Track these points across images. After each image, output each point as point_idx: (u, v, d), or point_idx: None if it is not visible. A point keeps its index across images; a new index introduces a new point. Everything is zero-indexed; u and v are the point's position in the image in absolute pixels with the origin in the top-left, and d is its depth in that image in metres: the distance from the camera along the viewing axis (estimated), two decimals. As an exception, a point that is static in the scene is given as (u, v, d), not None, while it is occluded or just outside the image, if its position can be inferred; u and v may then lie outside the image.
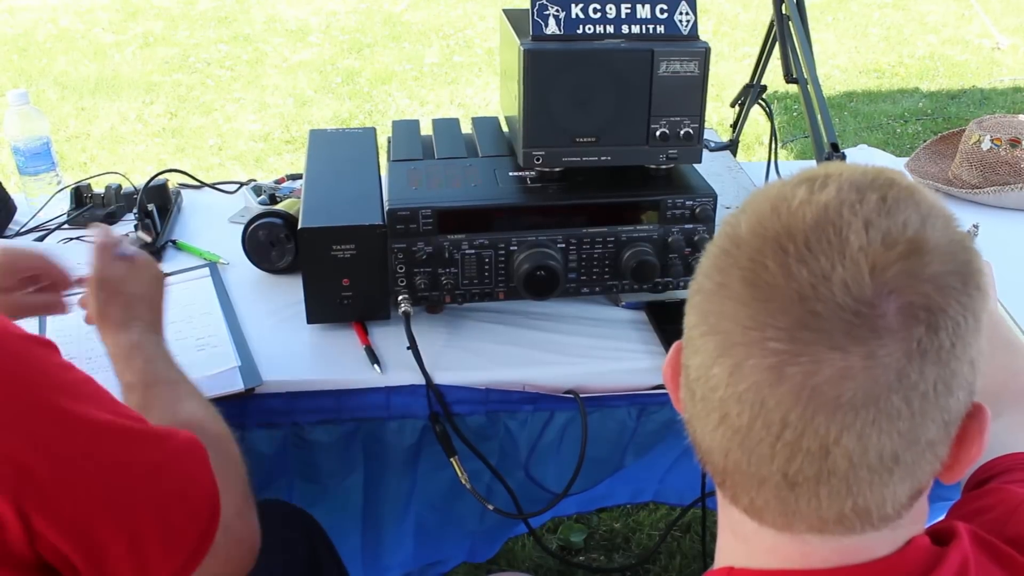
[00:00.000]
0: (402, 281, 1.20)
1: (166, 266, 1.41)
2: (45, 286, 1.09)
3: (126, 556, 0.74)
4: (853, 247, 0.53)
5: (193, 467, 0.80)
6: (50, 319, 1.26)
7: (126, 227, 1.52)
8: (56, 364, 0.77)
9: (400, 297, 1.20)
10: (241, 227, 1.36)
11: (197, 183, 1.68)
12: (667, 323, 1.25)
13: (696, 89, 1.19)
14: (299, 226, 1.17)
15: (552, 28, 1.16)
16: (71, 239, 1.50)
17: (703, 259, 0.61)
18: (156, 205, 1.50)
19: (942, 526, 0.64)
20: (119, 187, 1.58)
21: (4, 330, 0.74)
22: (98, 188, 1.59)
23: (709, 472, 0.62)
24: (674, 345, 0.66)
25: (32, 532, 0.71)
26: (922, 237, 0.54)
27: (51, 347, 0.78)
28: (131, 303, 1.04)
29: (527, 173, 1.27)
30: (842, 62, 4.95)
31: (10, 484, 0.69)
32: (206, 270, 1.38)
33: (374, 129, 1.49)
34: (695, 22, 1.19)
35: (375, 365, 1.16)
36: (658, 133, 1.21)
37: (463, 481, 1.14)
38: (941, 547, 0.61)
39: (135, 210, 1.46)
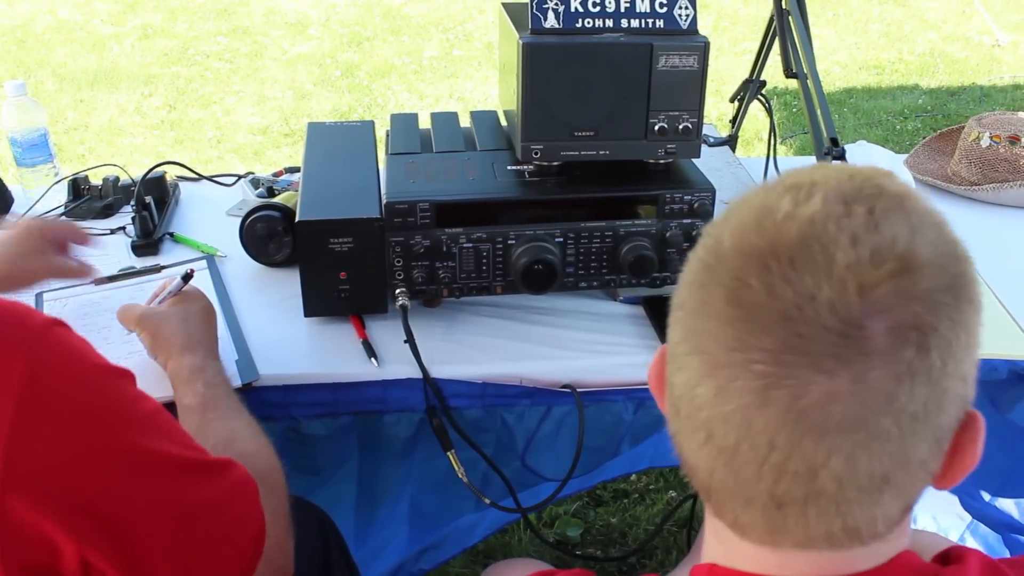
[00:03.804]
0: (399, 275, 1.20)
1: (163, 258, 1.41)
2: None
3: None
4: (840, 265, 0.51)
5: (246, 505, 0.81)
6: (47, 304, 1.27)
7: (123, 219, 1.52)
8: (131, 396, 0.77)
9: (397, 291, 1.20)
10: (239, 220, 1.35)
11: (195, 175, 1.68)
12: (665, 318, 1.24)
13: (695, 84, 1.19)
14: (297, 219, 1.17)
15: (551, 22, 1.16)
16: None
17: (685, 270, 0.59)
18: (154, 197, 1.50)
19: (954, 550, 0.62)
20: (117, 179, 1.58)
21: (86, 361, 0.75)
22: (96, 180, 1.59)
23: (695, 486, 0.61)
24: (658, 351, 0.65)
25: (87, 564, 0.72)
26: (912, 253, 0.51)
27: (128, 377, 0.78)
28: (189, 327, 1.07)
29: (525, 167, 1.27)
30: (842, 58, 4.94)
31: (74, 521, 0.70)
32: (204, 263, 1.38)
33: (372, 122, 1.49)
34: (694, 16, 1.18)
35: (372, 359, 1.16)
36: (657, 127, 1.20)
37: (460, 475, 1.14)
38: (941, 567, 0.60)
39: (133, 202, 1.46)
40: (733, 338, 0.53)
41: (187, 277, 1.14)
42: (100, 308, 1.25)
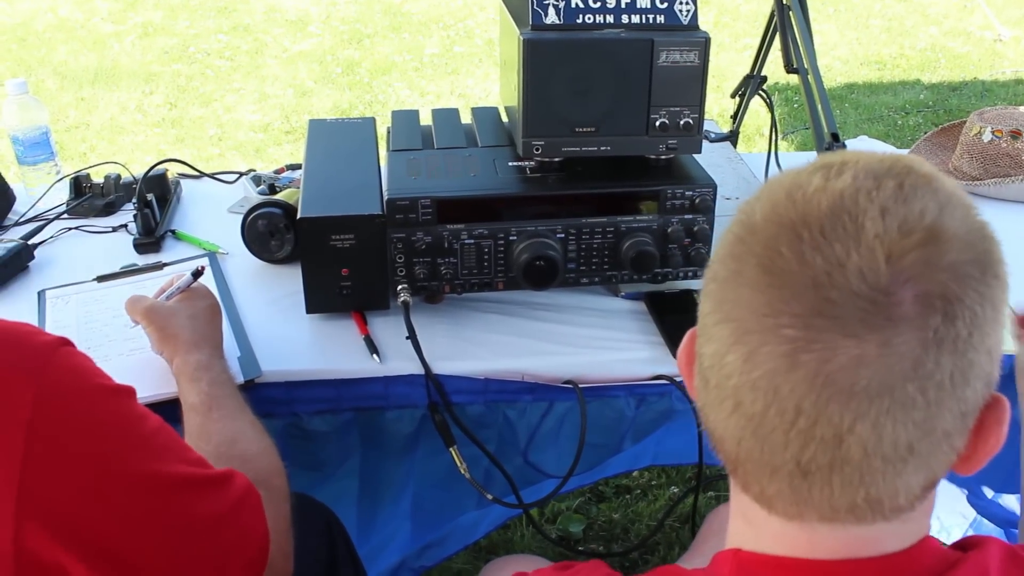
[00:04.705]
0: (401, 271, 1.20)
1: (165, 256, 1.41)
2: None
3: None
4: (869, 234, 0.52)
5: (250, 517, 0.81)
6: (49, 301, 1.27)
7: (125, 217, 1.52)
8: (136, 416, 0.77)
9: (399, 287, 1.20)
10: (240, 217, 1.35)
11: (196, 173, 1.68)
12: (666, 313, 1.25)
13: (696, 79, 1.19)
14: (298, 216, 1.17)
15: (552, 18, 1.16)
16: (70, 229, 1.49)
17: (718, 247, 0.61)
18: (155, 195, 1.50)
19: (976, 538, 0.63)
20: (118, 177, 1.58)
21: (92, 384, 0.74)
22: (97, 178, 1.59)
23: (722, 459, 0.61)
24: (688, 332, 0.66)
25: None
26: (940, 225, 0.53)
27: (130, 394, 0.78)
28: (196, 324, 1.07)
29: (527, 163, 1.27)
30: (843, 53, 4.94)
31: (86, 548, 0.70)
32: (205, 260, 1.38)
33: (373, 119, 1.49)
34: (695, 12, 1.18)
35: (374, 355, 1.16)
36: (658, 123, 1.20)
37: (462, 471, 1.14)
38: (961, 552, 0.61)
39: (134, 200, 1.46)
40: (764, 304, 0.54)
41: (197, 274, 1.14)
42: (102, 306, 1.25)
